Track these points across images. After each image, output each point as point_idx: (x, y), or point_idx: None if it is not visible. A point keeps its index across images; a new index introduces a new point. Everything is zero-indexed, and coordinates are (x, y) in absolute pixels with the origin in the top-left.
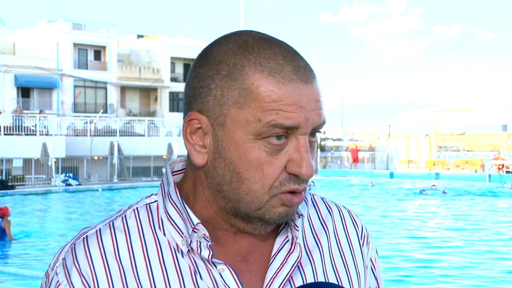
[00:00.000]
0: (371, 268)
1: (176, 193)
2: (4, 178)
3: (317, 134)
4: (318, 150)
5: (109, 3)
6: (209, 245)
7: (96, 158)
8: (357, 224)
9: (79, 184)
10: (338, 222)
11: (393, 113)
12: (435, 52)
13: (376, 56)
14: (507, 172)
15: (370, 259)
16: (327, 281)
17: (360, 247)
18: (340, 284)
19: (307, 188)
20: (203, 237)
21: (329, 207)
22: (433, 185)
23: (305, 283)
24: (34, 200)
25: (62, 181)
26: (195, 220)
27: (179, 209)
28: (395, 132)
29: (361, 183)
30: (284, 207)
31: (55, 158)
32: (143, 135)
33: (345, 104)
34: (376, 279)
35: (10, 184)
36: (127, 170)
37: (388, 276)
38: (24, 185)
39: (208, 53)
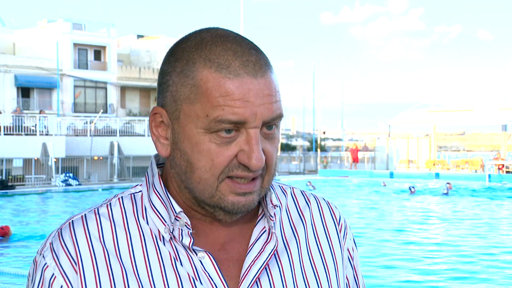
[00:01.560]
0: (348, 257)
1: (160, 183)
2: (4, 178)
3: (275, 128)
4: (318, 150)
5: (109, 3)
6: (190, 233)
7: (96, 158)
8: (335, 215)
9: (79, 184)
10: (315, 213)
11: (393, 113)
12: (435, 52)
13: (377, 56)
14: (507, 172)
15: (348, 249)
16: (303, 270)
17: (338, 237)
18: (316, 273)
19: (312, 187)
20: (185, 225)
21: (308, 199)
22: (448, 183)
23: (281, 271)
24: (34, 200)
25: (62, 181)
26: (178, 208)
27: (162, 199)
28: (395, 132)
29: (375, 183)
30: (235, 196)
31: (55, 158)
32: (143, 135)
33: (345, 104)
34: (353, 268)
35: (10, 184)
36: (127, 170)
37: (386, 277)
38: (24, 185)
39: (171, 50)
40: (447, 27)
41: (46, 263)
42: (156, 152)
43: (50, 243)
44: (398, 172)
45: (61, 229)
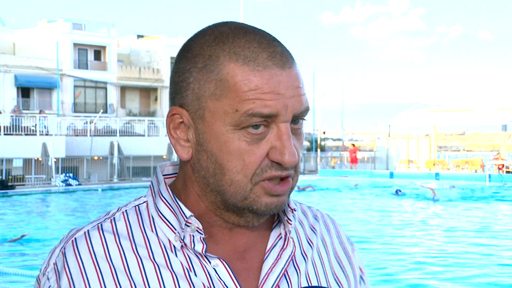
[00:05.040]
0: (360, 275)
1: (167, 190)
2: (4, 178)
3: (301, 121)
4: (318, 150)
5: (109, 3)
6: (203, 238)
7: (96, 158)
8: (340, 233)
9: (79, 184)
10: (323, 229)
11: (393, 113)
12: (436, 53)
13: (377, 56)
14: (507, 172)
15: (359, 268)
16: (326, 277)
17: (346, 255)
18: (338, 281)
19: (311, 188)
20: (196, 230)
21: (316, 215)
22: (453, 186)
23: (299, 279)
24: (34, 200)
25: (62, 181)
26: (188, 213)
27: (170, 205)
28: (395, 132)
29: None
30: (269, 197)
31: (55, 158)
32: (143, 135)
33: (345, 104)
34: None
35: (10, 184)
36: (127, 170)
37: (385, 279)
38: (24, 185)
39: (186, 47)
40: (448, 27)
41: (50, 286)
42: (160, 163)
43: (54, 264)
44: (398, 172)
45: (64, 248)
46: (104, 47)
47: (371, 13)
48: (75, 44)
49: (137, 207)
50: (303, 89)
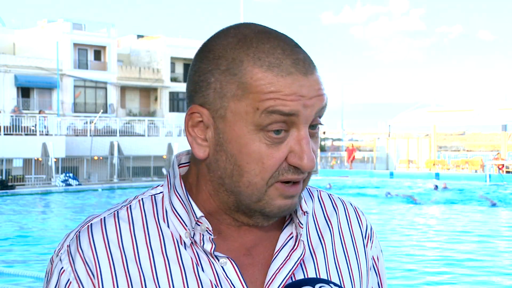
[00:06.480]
0: (373, 265)
1: (181, 185)
2: (4, 178)
3: (319, 126)
4: (318, 150)
5: (109, 3)
6: (212, 239)
7: (96, 158)
8: (361, 222)
9: (79, 184)
10: (343, 219)
11: (393, 113)
12: (436, 53)
13: (377, 56)
14: (507, 172)
15: (372, 257)
16: (329, 279)
17: (364, 246)
18: (342, 282)
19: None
20: (206, 231)
21: (335, 204)
22: (436, 185)
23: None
24: (34, 200)
25: (62, 181)
26: (199, 213)
27: (183, 202)
28: (395, 132)
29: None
30: (283, 199)
31: (55, 158)
32: (143, 135)
33: (345, 104)
34: (378, 277)
35: (10, 184)
36: (127, 170)
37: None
38: (24, 185)
39: (208, 47)
40: (448, 27)
41: (62, 267)
42: (177, 152)
43: (67, 246)
44: (398, 172)
45: (79, 231)
46: (104, 47)
47: (371, 13)
48: (75, 44)
49: (153, 196)
50: (323, 90)
